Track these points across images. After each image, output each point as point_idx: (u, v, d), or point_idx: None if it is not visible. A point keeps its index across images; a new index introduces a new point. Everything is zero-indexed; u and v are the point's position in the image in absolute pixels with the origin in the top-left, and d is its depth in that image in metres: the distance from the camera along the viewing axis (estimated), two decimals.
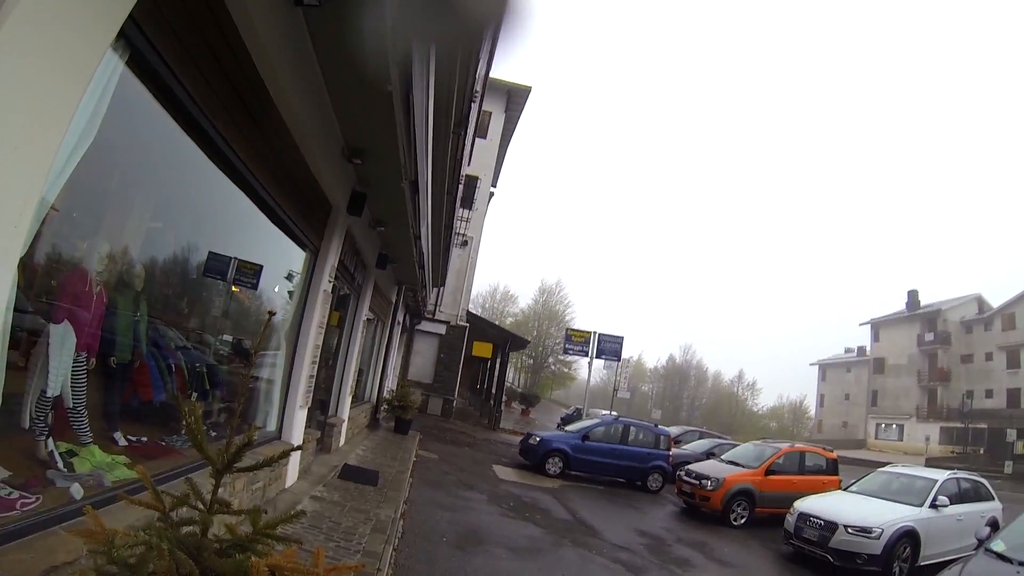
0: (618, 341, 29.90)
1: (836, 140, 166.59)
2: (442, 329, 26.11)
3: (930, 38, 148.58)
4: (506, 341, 29.81)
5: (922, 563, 9.53)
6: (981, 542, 6.49)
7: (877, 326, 65.79)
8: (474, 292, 45.76)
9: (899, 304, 65.17)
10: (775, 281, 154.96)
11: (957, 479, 11.40)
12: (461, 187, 13.16)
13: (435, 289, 21.84)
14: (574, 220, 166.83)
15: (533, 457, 15.72)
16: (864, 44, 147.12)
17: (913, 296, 63.03)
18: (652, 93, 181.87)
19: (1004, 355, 51.75)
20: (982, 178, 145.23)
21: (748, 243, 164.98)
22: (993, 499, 11.68)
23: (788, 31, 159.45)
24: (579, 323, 52.47)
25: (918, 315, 60.83)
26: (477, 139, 25.84)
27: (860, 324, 68.83)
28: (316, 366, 7.48)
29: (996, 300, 55.91)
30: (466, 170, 24.29)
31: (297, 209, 5.87)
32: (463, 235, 25.28)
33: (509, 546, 8.06)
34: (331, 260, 7.27)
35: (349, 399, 11.46)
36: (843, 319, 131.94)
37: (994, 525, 7.09)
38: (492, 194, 30.23)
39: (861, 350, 70.33)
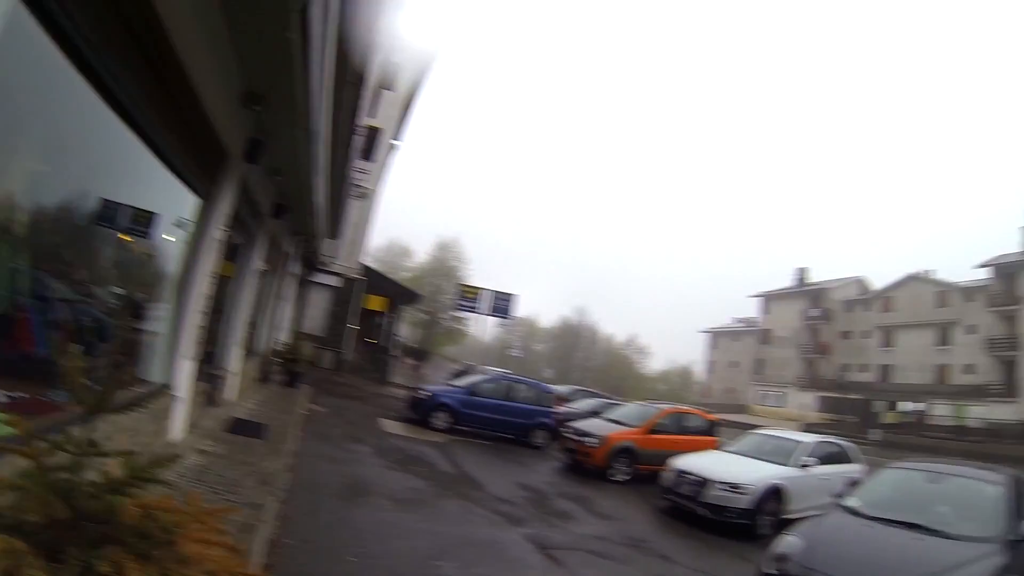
0: (509, 299, 30.33)
1: (741, 115, 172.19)
2: (337, 282, 25.44)
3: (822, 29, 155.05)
4: (400, 295, 29.69)
5: (788, 516, 10.10)
6: (837, 498, 7.11)
7: (766, 299, 69.32)
8: (371, 245, 45.08)
9: (788, 280, 68.98)
10: (670, 250, 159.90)
11: (824, 443, 12.30)
12: (360, 138, 12.90)
13: (331, 241, 21.39)
14: (478, 180, 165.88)
15: (421, 411, 15.86)
16: (760, 28, 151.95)
17: (802, 273, 67.37)
18: (562, 58, 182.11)
19: (879, 334, 56.45)
20: (875, 172, 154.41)
21: (646, 211, 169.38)
22: (857, 462, 12.46)
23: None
24: (475, 281, 52.74)
25: (805, 291, 64.85)
26: (384, 91, 25.22)
27: (750, 296, 72.02)
28: (205, 317, 7.28)
29: (877, 284, 60.72)
30: (369, 121, 23.76)
31: (191, 154, 5.65)
32: (362, 187, 24.75)
33: (393, 498, 8.21)
34: (224, 208, 7.03)
35: (240, 351, 11.19)
36: (734, 290, 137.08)
37: (854, 485, 7.83)
38: (395, 147, 29.60)
39: (750, 320, 73.73)
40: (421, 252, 79.43)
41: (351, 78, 6.71)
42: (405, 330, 62.34)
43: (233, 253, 9.82)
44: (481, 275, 76.07)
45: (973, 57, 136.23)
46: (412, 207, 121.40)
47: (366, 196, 25.88)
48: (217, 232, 6.91)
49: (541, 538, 7.74)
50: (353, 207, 23.87)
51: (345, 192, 14.14)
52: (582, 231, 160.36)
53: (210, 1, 4.14)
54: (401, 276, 66.40)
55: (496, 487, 10.43)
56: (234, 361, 10.82)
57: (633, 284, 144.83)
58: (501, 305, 30.61)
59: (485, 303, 29.99)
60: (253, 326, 13.98)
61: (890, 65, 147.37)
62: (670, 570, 7.56)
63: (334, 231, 18.38)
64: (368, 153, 24.84)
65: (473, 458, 12.98)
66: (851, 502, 6.81)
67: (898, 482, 7.39)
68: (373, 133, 25.08)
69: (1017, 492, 6.56)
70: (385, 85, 25.52)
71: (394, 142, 29.02)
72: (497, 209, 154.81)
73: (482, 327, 33.21)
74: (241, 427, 8.91)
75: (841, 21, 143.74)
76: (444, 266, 73.48)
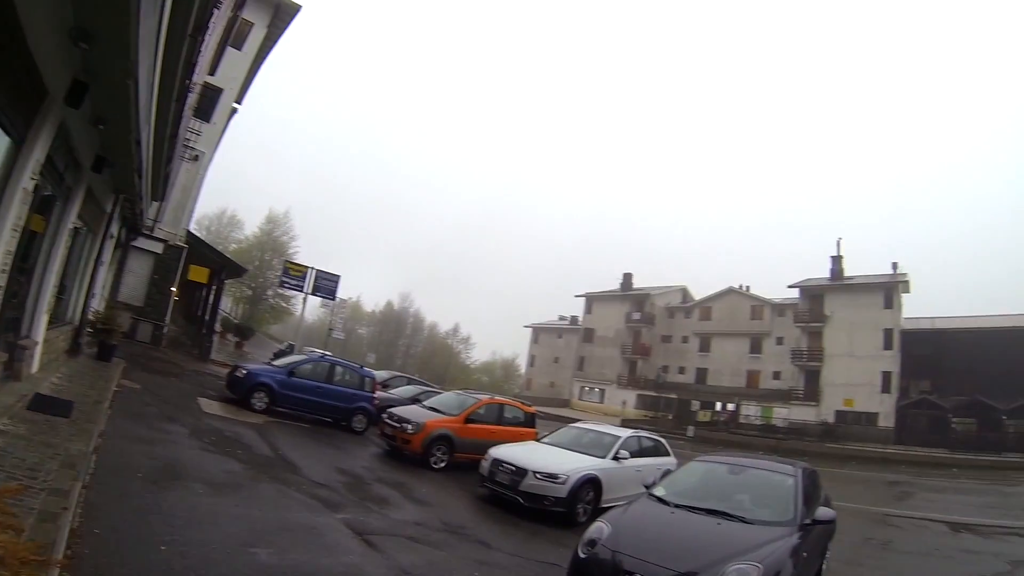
0: (335, 280, 29.96)
1: (584, 117, 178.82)
2: (159, 248, 23.30)
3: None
4: (226, 268, 28.25)
5: (604, 505, 10.51)
6: (647, 488, 7.58)
7: (591, 300, 72.44)
8: (199, 212, 42.72)
9: (614, 283, 72.51)
10: (500, 244, 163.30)
11: (638, 437, 12.94)
12: (195, 95, 12.13)
13: (155, 203, 19.87)
14: (317, 155, 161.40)
15: (239, 391, 15.16)
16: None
17: (627, 278, 71.20)
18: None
19: (698, 340, 62.12)
20: (703, 193, 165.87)
21: (479, 205, 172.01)
22: (669, 455, 13.29)
23: None
24: (302, 259, 51.19)
25: (629, 295, 68.50)
26: (230, 48, 23.79)
27: (576, 296, 74.86)
28: (6, 276, 6.56)
29: (698, 294, 66.76)
30: (209, 79, 22.35)
31: (4, 89, 5.08)
32: (194, 149, 23.17)
33: (208, 481, 7.82)
34: (37, 154, 6.37)
35: (46, 319, 10.14)
36: (561, 289, 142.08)
37: (664, 476, 8.42)
38: (235, 110, 27.92)
39: (574, 319, 76.85)
40: (251, 225, 76.20)
41: (191, 27, 6.28)
42: (228, 305, 59.52)
43: (45, 207, 8.91)
44: (310, 253, 74.13)
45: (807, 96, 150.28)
46: (246, 176, 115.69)
47: (198, 159, 24.21)
48: (28, 180, 6.25)
49: (359, 524, 7.68)
50: (182, 169, 22.35)
51: (174, 151, 13.24)
52: (415, 218, 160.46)
53: None
54: (229, 248, 63.44)
55: (314, 471, 10.22)
56: (40, 329, 9.83)
57: (461, 275, 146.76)
58: (326, 285, 30.09)
59: (311, 282, 29.28)
60: (64, 291, 12.81)
61: (735, 90, 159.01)
62: (489, 556, 7.71)
63: (159, 193, 17.14)
64: (205, 113, 23.35)
65: (291, 441, 12.65)
66: (658, 491, 7.30)
67: (702, 473, 8.03)
68: (213, 93, 23.62)
69: (807, 483, 7.37)
70: (234, 43, 24.16)
71: (235, 105, 27.43)
72: (332, 188, 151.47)
73: (306, 307, 32.34)
74: (45, 404, 8.13)
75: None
76: (273, 241, 70.90)
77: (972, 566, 10.68)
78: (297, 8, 26.22)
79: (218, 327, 30.28)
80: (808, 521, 6.50)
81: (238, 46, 24.52)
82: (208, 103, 23.22)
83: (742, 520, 6.35)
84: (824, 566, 8.24)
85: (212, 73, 22.50)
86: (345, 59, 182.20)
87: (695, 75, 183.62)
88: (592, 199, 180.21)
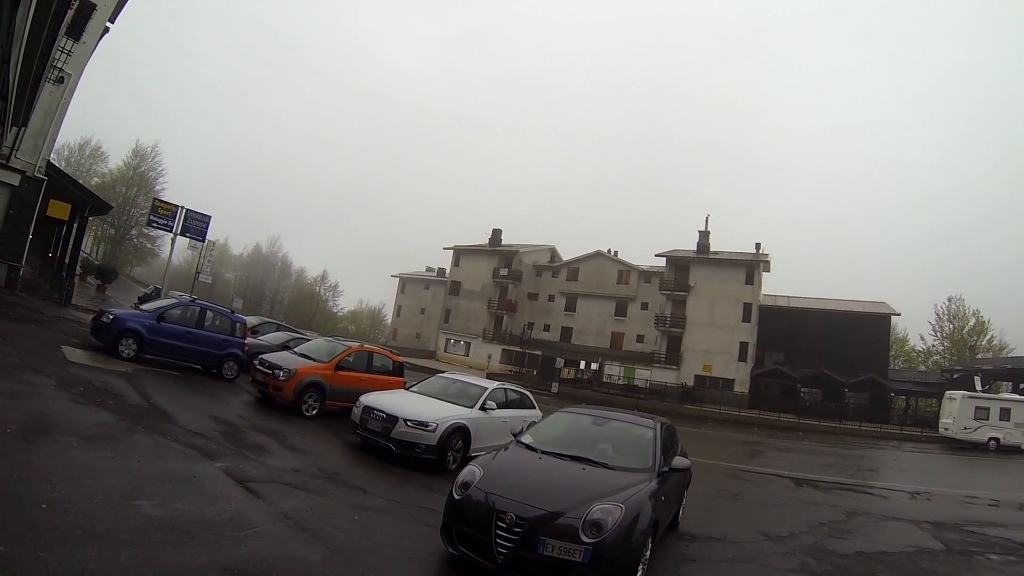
0: (205, 220, 28.78)
1: (464, 79, 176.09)
2: (16, 180, 21.45)
3: None
4: (88, 204, 26.52)
5: (472, 453, 11.08)
6: (515, 436, 8.15)
7: (459, 253, 73.18)
8: (60, 141, 39.73)
9: (483, 239, 73.30)
10: (372, 193, 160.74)
11: (505, 389, 13.44)
12: (72, 12, 11.30)
13: (15, 128, 18.37)
14: (189, 85, 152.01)
15: (106, 337, 14.72)
16: None
17: (496, 234, 72.10)
18: None
19: (564, 300, 64.50)
20: (579, 160, 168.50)
21: (354, 152, 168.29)
22: (535, 408, 13.86)
23: None
24: (170, 197, 48.72)
25: (498, 251, 69.75)
26: None
27: (444, 248, 75.44)
28: None
29: (567, 255, 69.04)
30: None
31: None
32: (61, 69, 21.36)
33: (81, 434, 7.74)
34: None
35: None
36: (430, 241, 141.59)
37: (531, 426, 8.96)
38: (107, 29, 25.63)
39: (441, 271, 77.92)
40: (116, 158, 71.38)
41: None
42: (88, 244, 55.97)
43: None
44: (178, 190, 70.63)
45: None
46: (111, 107, 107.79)
47: (63, 81, 22.26)
48: None
49: (238, 472, 7.84)
50: (45, 92, 20.62)
51: (44, 71, 12.35)
52: (290, 165, 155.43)
53: None
54: (92, 182, 59.38)
55: (188, 420, 10.21)
56: None
57: (334, 222, 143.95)
58: (196, 226, 28.75)
59: (180, 222, 28.09)
60: None
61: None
62: (366, 500, 8.03)
63: (21, 117, 15.95)
64: (75, 30, 21.47)
65: (163, 389, 12.49)
66: (526, 439, 7.88)
67: (568, 424, 8.68)
68: (85, 7, 21.67)
69: (665, 435, 8.16)
70: None
71: (108, 24, 25.17)
72: (204, 128, 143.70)
73: (174, 248, 30.98)
74: None
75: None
76: (140, 176, 66.76)
77: (812, 515, 12.16)
78: None
79: (80, 268, 28.62)
80: (666, 469, 7.23)
81: None
82: (79, 19, 21.34)
83: (605, 466, 6.95)
84: (681, 512, 9.23)
85: None
86: None
87: (566, 29, 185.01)
88: (468, 157, 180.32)
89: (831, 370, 48.75)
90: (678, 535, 8.93)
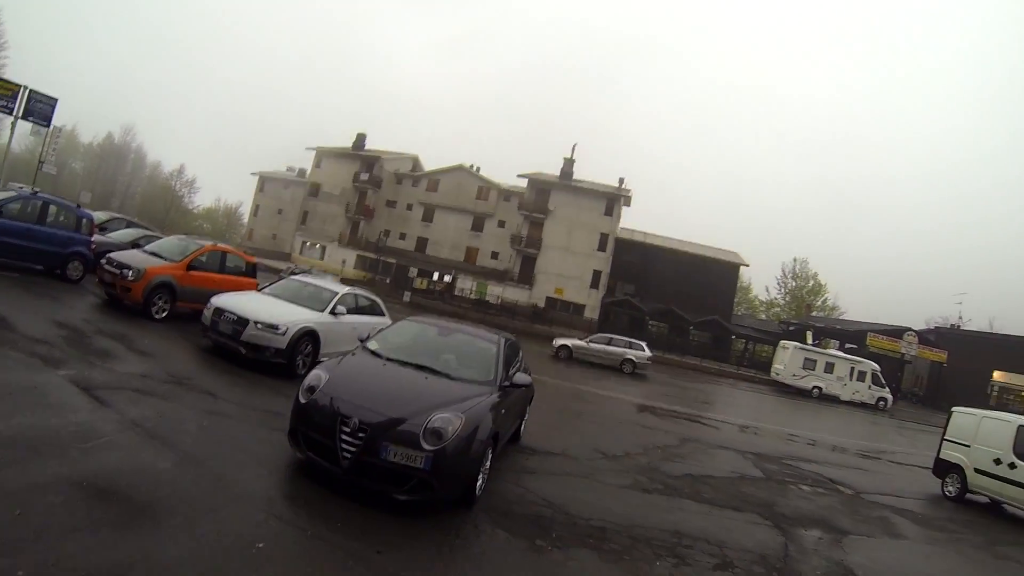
0: (52, 103, 26.36)
1: None
2: None
3: None
4: None
5: (321, 358, 11.26)
6: (362, 342, 8.41)
7: (321, 154, 70.98)
8: None
9: (346, 142, 71.15)
10: (230, 81, 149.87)
11: (355, 295, 13.56)
12: None
13: None
14: None
15: None
16: None
17: (360, 138, 70.06)
18: None
19: (422, 209, 64.43)
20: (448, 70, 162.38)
21: (211, 34, 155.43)
22: (385, 315, 14.03)
23: None
24: (11, 73, 43.20)
25: (360, 156, 67.84)
26: None
27: (307, 148, 72.80)
28: None
29: (429, 165, 68.86)
30: None
31: None
32: None
33: None
34: None
35: None
36: (293, 140, 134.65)
37: (379, 332, 9.21)
38: None
39: (302, 172, 75.51)
40: None
41: None
42: None
43: None
44: (17, 68, 62.91)
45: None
46: None
47: None
48: None
49: (83, 379, 7.74)
50: None
51: None
52: (148, 41, 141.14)
53: None
54: None
55: (29, 326, 9.78)
56: None
57: (190, 109, 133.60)
58: (41, 109, 26.16)
59: (22, 104, 25.46)
60: None
61: None
62: (216, 406, 8.17)
63: None
64: None
65: (0, 293, 11.81)
66: (372, 345, 8.17)
67: (414, 333, 9.00)
68: None
69: (508, 351, 8.65)
70: None
71: None
72: None
73: (12, 132, 28.00)
74: None
75: None
76: None
77: (648, 438, 13.43)
78: None
79: None
80: (507, 383, 7.69)
81: None
82: None
83: (447, 376, 7.31)
84: (523, 427, 9.94)
85: None
86: None
87: None
88: (337, 51, 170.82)
89: (679, 308, 53.22)
90: (519, 449, 9.61)
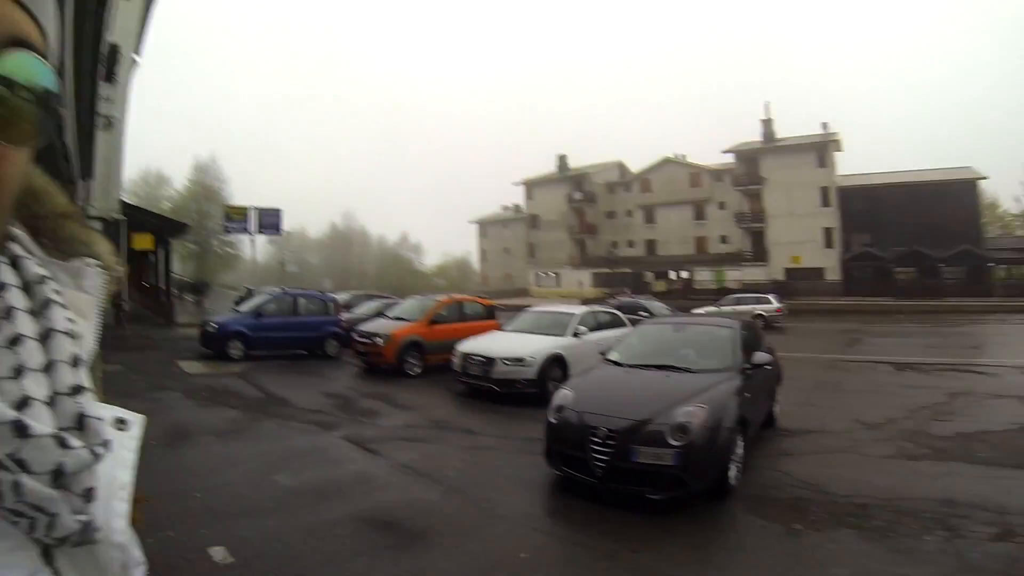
0: (277, 213, 29.68)
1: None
2: (98, 227, 23.09)
3: None
4: (166, 229, 27.91)
5: None
6: (603, 354, 8.51)
7: (531, 185, 72.53)
8: (125, 178, 41.50)
9: (550, 167, 72.46)
10: (430, 145, 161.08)
11: (594, 313, 13.69)
12: (103, 66, 11.82)
13: (84, 182, 19.53)
14: (222, 93, 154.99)
15: (215, 345, 15.78)
16: None
17: (563, 160, 71.09)
18: None
19: (642, 212, 62.99)
20: (630, 69, 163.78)
21: (403, 112, 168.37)
22: (626, 326, 13.63)
23: None
24: (238, 199, 50.15)
25: (568, 176, 68.66)
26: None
27: (515, 184, 74.42)
28: None
29: (635, 167, 66.79)
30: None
31: None
32: (106, 116, 22.40)
33: (214, 432, 8.64)
34: None
35: None
36: (499, 180, 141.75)
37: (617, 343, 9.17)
38: (135, 63, 26.66)
39: (517, 208, 77.26)
40: (179, 178, 73.83)
41: None
42: (177, 265, 58.63)
43: None
44: (243, 191, 72.53)
45: None
46: (160, 130, 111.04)
47: (112, 125, 23.43)
48: None
49: (355, 436, 8.59)
50: (100, 139, 21.78)
51: (94, 121, 13.03)
52: (339, 133, 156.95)
53: None
54: (163, 208, 61.77)
55: (304, 401, 11.03)
56: None
57: (399, 182, 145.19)
58: (269, 221, 29.82)
59: (254, 221, 29.08)
60: None
61: None
62: (476, 441, 8.62)
63: (88, 171, 17.00)
64: (109, 74, 22.45)
65: (275, 379, 13.34)
66: (613, 356, 8.22)
67: (651, 335, 8.95)
68: (112, 50, 22.61)
69: (745, 333, 8.29)
70: None
71: (135, 57, 26.12)
72: (248, 120, 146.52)
73: (254, 247, 32.05)
74: None
75: None
76: (206, 189, 68.90)
77: (912, 399, 11.48)
78: None
79: (175, 289, 30.20)
80: (747, 366, 7.37)
81: None
82: (110, 62, 22.24)
83: (687, 371, 7.19)
84: (776, 408, 9.27)
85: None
86: None
87: None
88: (514, 84, 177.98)
89: (923, 246, 45.49)
90: (775, 432, 9.03)
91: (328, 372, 14.84)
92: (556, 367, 11.50)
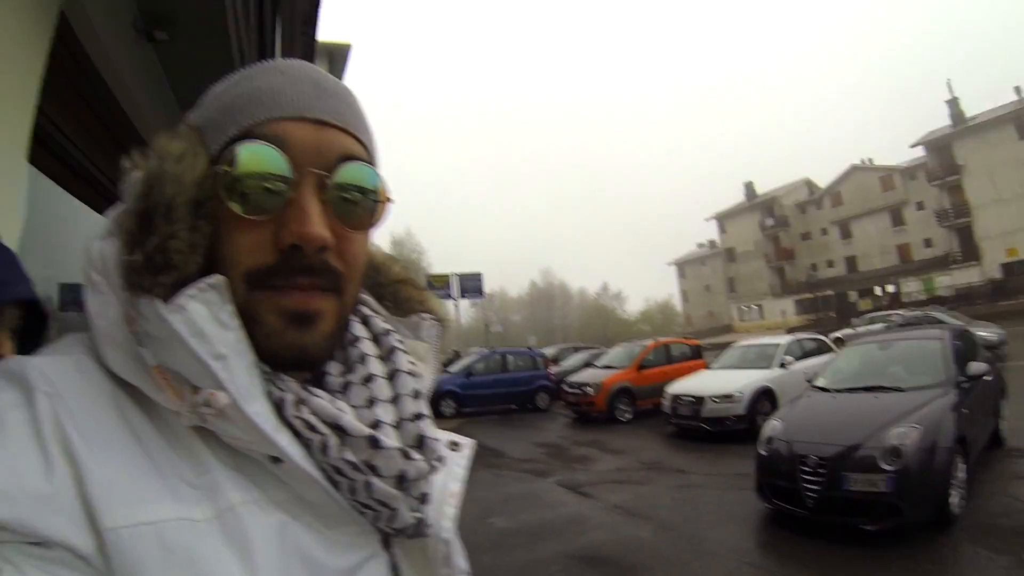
0: (477, 278, 30.73)
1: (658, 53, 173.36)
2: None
3: None
4: None
5: None
6: (810, 381, 8.17)
7: (722, 219, 70.83)
8: None
9: (737, 197, 70.59)
10: (617, 192, 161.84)
11: (799, 341, 13.27)
12: None
13: None
14: (411, 161, 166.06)
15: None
16: None
17: (749, 187, 69.02)
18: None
19: (837, 228, 58.25)
20: (799, 79, 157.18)
21: (585, 162, 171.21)
22: (832, 351, 13.15)
23: None
24: (436, 267, 52.94)
25: (757, 204, 66.28)
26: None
27: (706, 219, 73.39)
28: None
29: (822, 182, 62.43)
30: None
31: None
32: None
33: None
34: None
35: None
36: (689, 218, 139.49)
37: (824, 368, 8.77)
38: None
39: (712, 243, 75.66)
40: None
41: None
42: None
43: None
44: (441, 259, 76.02)
45: None
46: None
47: None
48: None
49: (569, 481, 8.84)
50: None
51: None
52: (528, 193, 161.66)
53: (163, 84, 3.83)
54: None
55: (517, 451, 11.52)
56: None
57: (594, 234, 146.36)
58: (471, 285, 30.76)
59: (456, 287, 30.38)
60: None
61: None
62: (686, 480, 8.55)
63: None
64: None
65: (488, 432, 13.90)
66: (820, 382, 7.87)
67: (856, 356, 8.45)
68: None
69: (958, 343, 7.59)
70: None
71: None
72: (437, 190, 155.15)
73: (457, 311, 33.35)
74: None
75: None
76: (405, 261, 73.32)
77: None
78: (346, 48, 26.66)
79: None
80: (963, 379, 6.72)
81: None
82: None
83: (897, 390, 6.72)
84: (1003, 425, 8.19)
85: None
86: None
87: None
88: (685, 121, 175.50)
89: None
90: (1003, 452, 7.95)
91: (540, 424, 15.27)
92: (765, 400, 11.21)
